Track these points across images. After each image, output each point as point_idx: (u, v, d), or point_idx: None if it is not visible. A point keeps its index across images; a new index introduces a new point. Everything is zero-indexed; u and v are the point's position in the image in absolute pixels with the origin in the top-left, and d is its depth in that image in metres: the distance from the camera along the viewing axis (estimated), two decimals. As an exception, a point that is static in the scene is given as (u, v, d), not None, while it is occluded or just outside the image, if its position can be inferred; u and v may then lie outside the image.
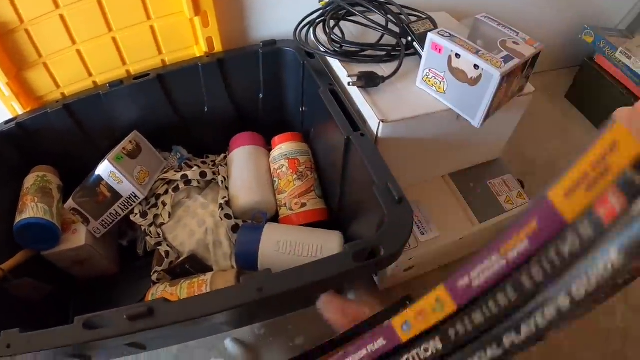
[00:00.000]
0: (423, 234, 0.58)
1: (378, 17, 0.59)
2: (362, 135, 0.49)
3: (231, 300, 0.40)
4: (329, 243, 0.53)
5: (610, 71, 0.90)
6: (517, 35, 0.56)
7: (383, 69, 0.57)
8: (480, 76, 0.50)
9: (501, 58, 0.50)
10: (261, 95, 0.68)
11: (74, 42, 0.60)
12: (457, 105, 0.53)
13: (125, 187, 0.59)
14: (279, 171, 0.63)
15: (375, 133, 0.52)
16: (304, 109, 0.66)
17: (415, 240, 0.57)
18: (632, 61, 0.86)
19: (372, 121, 0.52)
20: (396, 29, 0.59)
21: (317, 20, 0.62)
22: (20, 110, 0.62)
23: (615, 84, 0.88)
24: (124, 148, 0.61)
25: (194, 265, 0.58)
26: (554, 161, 0.84)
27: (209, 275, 0.55)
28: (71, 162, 0.63)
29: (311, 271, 0.42)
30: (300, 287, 0.41)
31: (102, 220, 0.61)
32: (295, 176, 0.61)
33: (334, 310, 0.49)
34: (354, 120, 0.51)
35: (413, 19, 0.61)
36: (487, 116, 0.53)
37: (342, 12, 0.63)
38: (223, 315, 0.41)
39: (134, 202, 0.60)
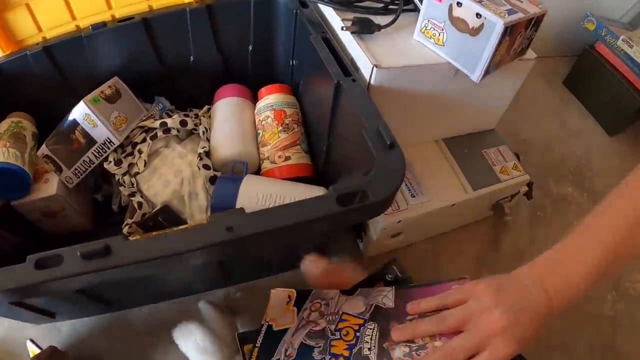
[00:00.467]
0: (414, 196, 0.54)
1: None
2: (353, 80, 0.46)
3: (197, 239, 0.37)
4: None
5: (610, 60, 0.89)
6: (521, -5, 0.54)
7: (379, 20, 0.54)
8: (482, 26, 0.47)
9: (505, 10, 0.48)
10: (250, 47, 0.65)
11: (58, -19, 0.57)
12: (456, 58, 0.50)
13: (100, 132, 0.55)
14: (263, 123, 0.59)
15: (368, 80, 0.49)
16: (294, 62, 0.63)
17: (404, 202, 0.54)
18: (634, 50, 0.84)
19: (365, 68, 0.49)
20: (396, -18, 0.56)
21: (314, -30, 0.59)
22: (-2, 54, 0.59)
23: (614, 73, 0.87)
24: (102, 92, 0.57)
25: (167, 218, 0.54)
26: (548, 143, 0.83)
27: (182, 228, 0.52)
28: (49, 111, 0.60)
29: (289, 212, 0.38)
30: (276, 229, 0.37)
31: (75, 169, 0.57)
32: (280, 128, 0.57)
33: (317, 273, 0.46)
34: (346, 66, 0.48)
35: (414, -27, 0.58)
36: (487, 71, 0.50)
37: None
38: (192, 257, 0.37)
39: (109, 148, 0.56)
